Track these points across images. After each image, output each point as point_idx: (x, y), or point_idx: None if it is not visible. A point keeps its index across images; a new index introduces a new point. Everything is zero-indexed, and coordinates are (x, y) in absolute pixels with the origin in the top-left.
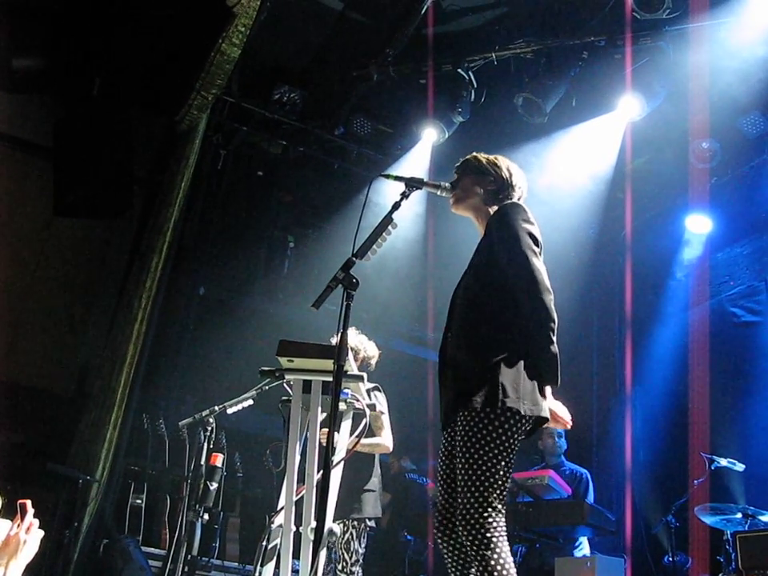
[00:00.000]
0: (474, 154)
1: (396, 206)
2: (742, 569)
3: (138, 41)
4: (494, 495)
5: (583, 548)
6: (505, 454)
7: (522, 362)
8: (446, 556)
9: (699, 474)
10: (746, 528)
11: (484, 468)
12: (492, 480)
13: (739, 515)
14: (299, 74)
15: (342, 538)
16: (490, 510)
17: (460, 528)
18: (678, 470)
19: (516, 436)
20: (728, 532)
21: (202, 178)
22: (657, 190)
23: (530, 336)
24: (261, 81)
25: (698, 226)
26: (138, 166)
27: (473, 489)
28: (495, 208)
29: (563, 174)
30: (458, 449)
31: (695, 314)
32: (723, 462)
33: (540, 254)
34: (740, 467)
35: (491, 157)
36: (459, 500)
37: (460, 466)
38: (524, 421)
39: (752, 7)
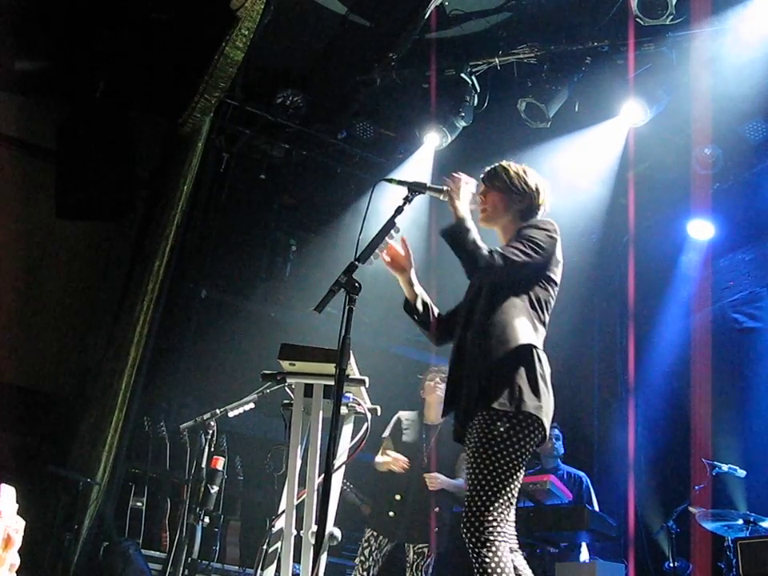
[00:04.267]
0: (504, 164)
1: (399, 210)
2: (743, 575)
3: (142, 44)
4: (502, 499)
5: (581, 553)
6: (515, 456)
7: (537, 368)
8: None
9: (700, 480)
10: (748, 534)
11: (494, 470)
12: (502, 484)
13: (740, 521)
14: (302, 78)
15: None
16: (495, 513)
17: (463, 528)
18: (680, 475)
19: (530, 441)
20: (729, 538)
21: (204, 181)
22: (659, 196)
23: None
24: (264, 84)
25: (700, 231)
26: (140, 168)
27: (480, 490)
28: (522, 224)
29: (565, 179)
30: (471, 449)
31: (697, 320)
32: (725, 467)
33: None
34: (741, 473)
35: (521, 170)
36: (466, 501)
37: (471, 466)
38: (537, 425)
39: (755, 13)
